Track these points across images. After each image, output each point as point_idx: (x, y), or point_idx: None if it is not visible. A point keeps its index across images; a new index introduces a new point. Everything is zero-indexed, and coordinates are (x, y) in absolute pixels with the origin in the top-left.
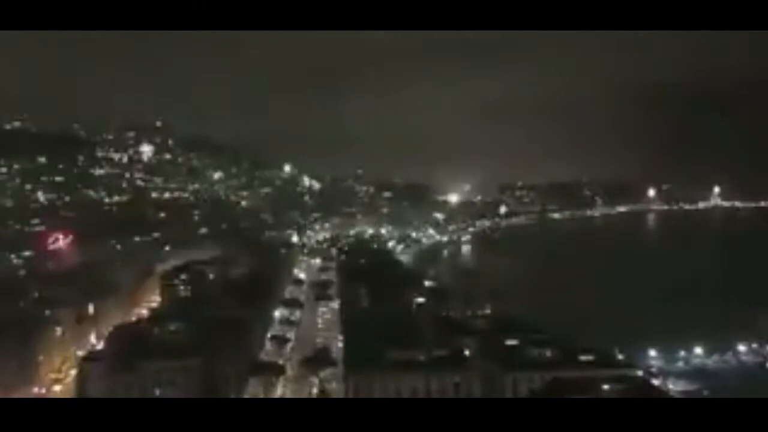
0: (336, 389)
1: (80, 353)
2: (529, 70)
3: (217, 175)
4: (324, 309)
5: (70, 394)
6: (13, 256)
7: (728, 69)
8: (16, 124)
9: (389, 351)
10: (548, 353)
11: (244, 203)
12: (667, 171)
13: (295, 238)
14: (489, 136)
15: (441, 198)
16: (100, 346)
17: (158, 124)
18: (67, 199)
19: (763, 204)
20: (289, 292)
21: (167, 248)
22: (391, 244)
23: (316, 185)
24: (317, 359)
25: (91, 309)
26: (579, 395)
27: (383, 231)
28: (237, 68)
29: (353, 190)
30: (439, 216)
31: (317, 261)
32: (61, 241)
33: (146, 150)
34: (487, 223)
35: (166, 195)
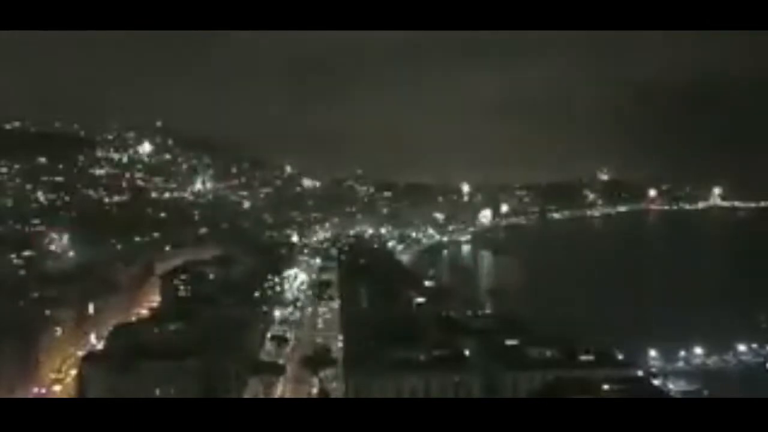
0: (336, 389)
1: (80, 353)
2: (530, 70)
3: (217, 175)
4: (324, 309)
5: (70, 394)
6: (13, 256)
7: (728, 68)
8: (16, 124)
9: (389, 351)
10: (548, 353)
11: (244, 203)
12: (667, 171)
13: (295, 238)
14: (489, 135)
15: (441, 198)
16: (100, 346)
17: (158, 124)
18: (67, 199)
19: (763, 204)
20: (289, 292)
21: (167, 248)
22: (391, 244)
23: (316, 185)
24: (317, 359)
25: (91, 309)
26: (579, 395)
27: (383, 231)
28: (236, 67)
29: (353, 190)
30: (439, 216)
31: (317, 261)
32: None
33: (146, 150)
34: (487, 223)
35: (166, 195)
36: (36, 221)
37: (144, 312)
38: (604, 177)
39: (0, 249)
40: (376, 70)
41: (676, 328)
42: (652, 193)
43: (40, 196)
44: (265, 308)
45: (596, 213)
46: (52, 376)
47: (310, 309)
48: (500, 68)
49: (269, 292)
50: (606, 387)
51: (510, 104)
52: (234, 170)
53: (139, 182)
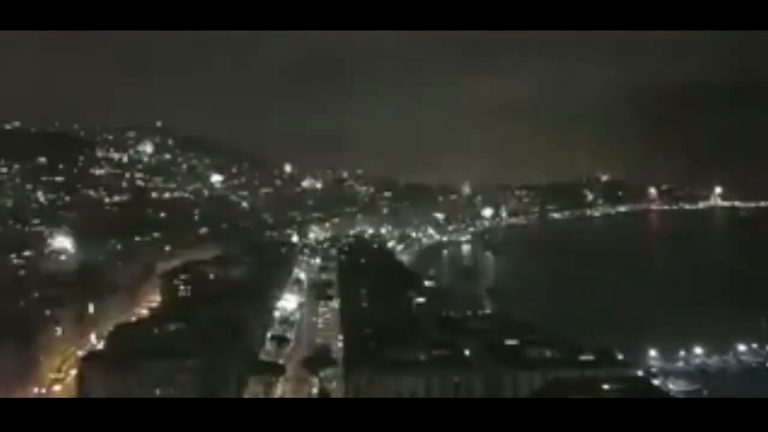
0: (336, 389)
1: (80, 353)
2: (529, 70)
3: (217, 175)
4: (324, 309)
5: (70, 394)
6: (13, 256)
7: (728, 69)
8: (16, 124)
9: (389, 351)
10: (548, 353)
11: (244, 203)
12: (667, 171)
13: (295, 238)
14: (489, 136)
15: (441, 198)
16: (100, 346)
17: (158, 124)
18: (67, 199)
19: (763, 204)
20: (289, 292)
21: (167, 248)
22: (391, 244)
23: (316, 185)
24: (317, 359)
25: (91, 309)
26: (579, 395)
27: (383, 231)
28: (236, 67)
29: (353, 190)
30: (439, 216)
31: (317, 261)
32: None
33: (146, 150)
34: (486, 223)
35: (166, 195)
36: (36, 221)
37: (144, 312)
38: (604, 177)
39: (0, 249)
40: (375, 71)
41: (676, 328)
42: (652, 193)
43: (40, 196)
44: (265, 308)
45: (596, 213)
46: (52, 376)
47: (310, 309)
48: (501, 68)
49: (269, 292)
50: (606, 387)
51: (510, 105)
52: (234, 170)
53: (139, 182)
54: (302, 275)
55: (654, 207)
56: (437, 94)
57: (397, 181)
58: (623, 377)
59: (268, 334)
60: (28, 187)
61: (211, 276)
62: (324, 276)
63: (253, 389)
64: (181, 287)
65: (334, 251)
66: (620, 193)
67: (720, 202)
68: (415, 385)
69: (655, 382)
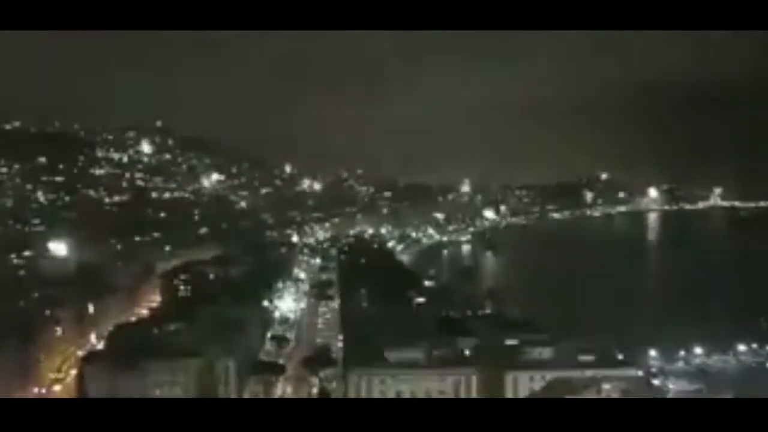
0: (336, 389)
1: (80, 353)
2: (530, 70)
3: (217, 175)
4: (324, 309)
5: (70, 394)
6: (13, 256)
7: (729, 69)
8: (16, 124)
9: (389, 351)
10: (548, 353)
11: (244, 203)
12: (667, 171)
13: (295, 238)
14: (489, 135)
15: (441, 198)
16: (100, 346)
17: (158, 124)
18: (67, 199)
19: (763, 204)
20: (289, 292)
21: (167, 248)
22: (391, 244)
23: (316, 185)
24: (317, 359)
25: (91, 309)
26: (579, 395)
27: (383, 231)
28: (235, 67)
29: (353, 190)
30: (439, 216)
31: (317, 261)
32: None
33: (146, 150)
34: (487, 223)
35: (166, 195)
36: (36, 221)
37: (144, 312)
38: (604, 176)
39: (0, 249)
40: (375, 70)
41: (676, 328)
42: (652, 193)
43: (40, 196)
44: (265, 308)
45: (596, 213)
46: (52, 376)
47: (310, 309)
48: (501, 68)
49: (269, 292)
50: (606, 387)
51: (510, 104)
52: (234, 170)
53: (139, 182)
54: (302, 275)
55: (654, 207)
56: (437, 93)
57: (397, 181)
58: (623, 377)
59: (268, 334)
60: (28, 187)
61: (211, 276)
62: (324, 276)
63: (253, 389)
64: (181, 287)
65: (334, 251)
66: (620, 193)
67: (720, 202)
68: (415, 385)
69: (655, 382)
